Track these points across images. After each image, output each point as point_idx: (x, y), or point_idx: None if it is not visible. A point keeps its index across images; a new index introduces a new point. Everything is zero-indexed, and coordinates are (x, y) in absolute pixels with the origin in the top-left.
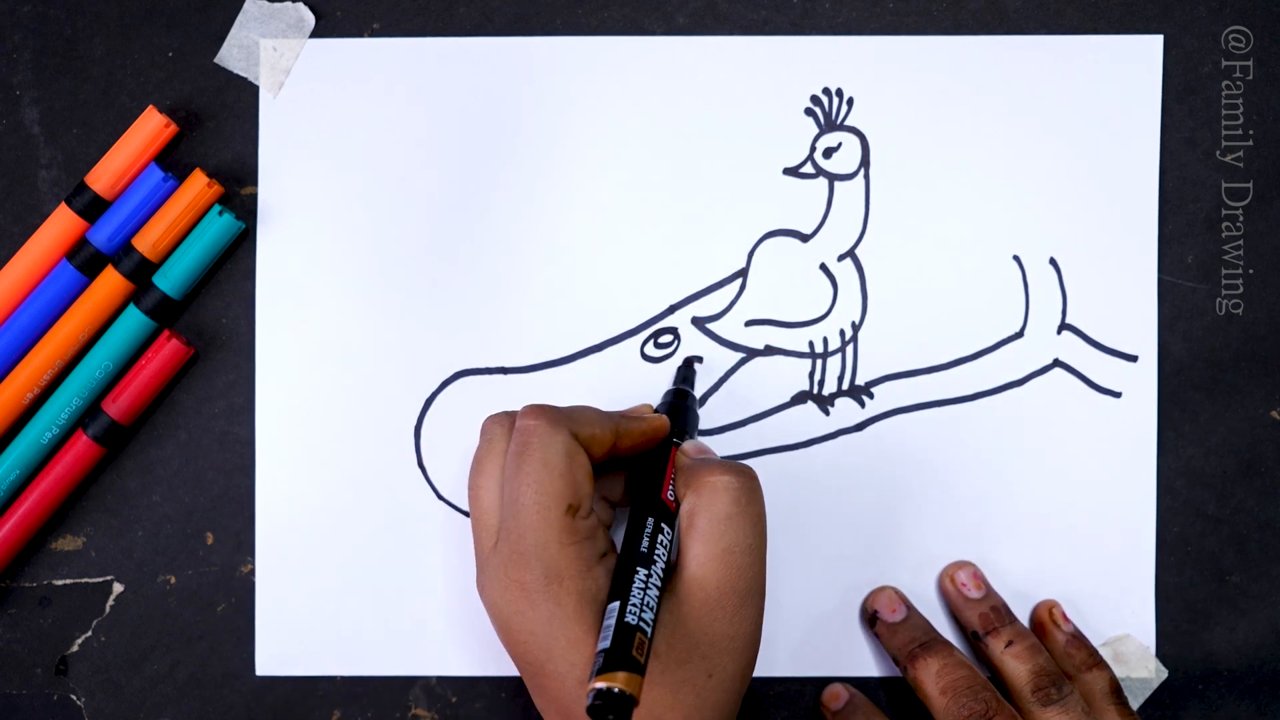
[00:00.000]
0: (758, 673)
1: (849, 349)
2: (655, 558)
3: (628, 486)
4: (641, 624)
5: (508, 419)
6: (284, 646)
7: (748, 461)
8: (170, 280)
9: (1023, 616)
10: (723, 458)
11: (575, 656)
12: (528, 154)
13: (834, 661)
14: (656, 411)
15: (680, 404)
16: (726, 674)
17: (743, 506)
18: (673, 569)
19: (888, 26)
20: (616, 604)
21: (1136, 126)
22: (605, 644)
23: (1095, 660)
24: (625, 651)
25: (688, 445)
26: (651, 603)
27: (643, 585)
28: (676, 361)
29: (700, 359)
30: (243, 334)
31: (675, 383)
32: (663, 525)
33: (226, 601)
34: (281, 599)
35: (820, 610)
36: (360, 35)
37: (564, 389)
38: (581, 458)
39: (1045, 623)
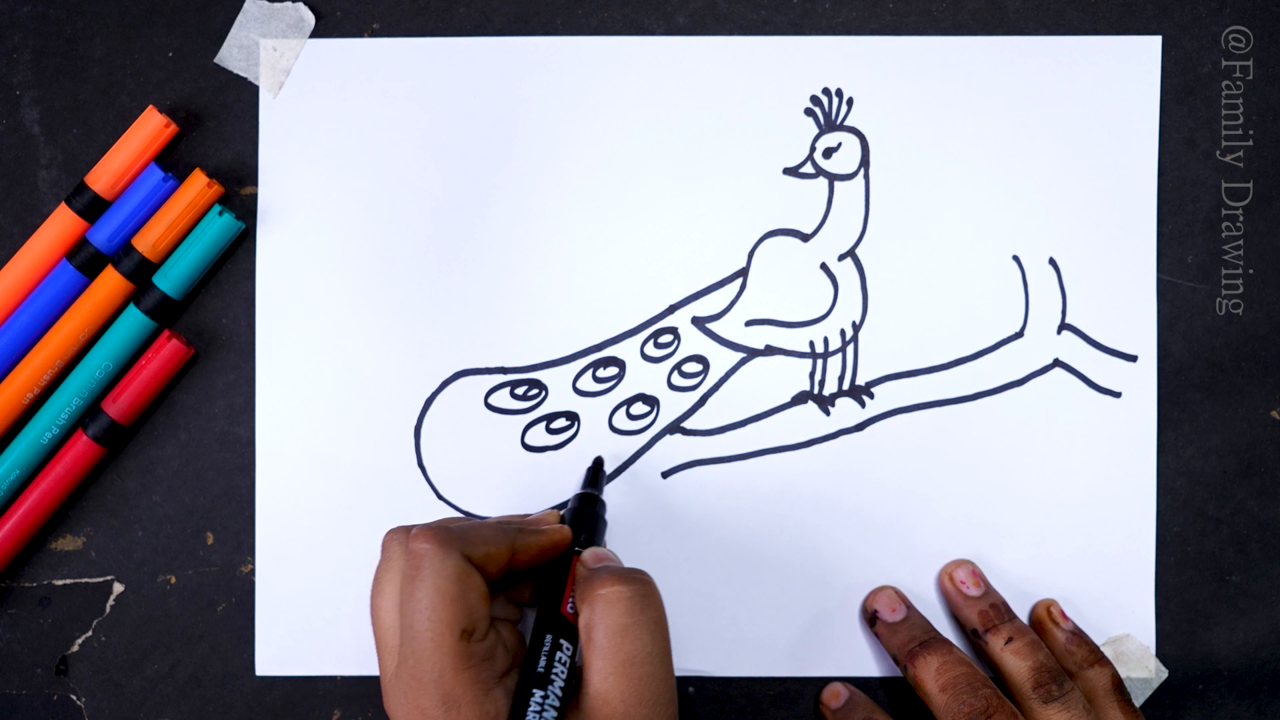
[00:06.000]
0: (758, 673)
1: (849, 349)
2: (553, 677)
3: (533, 595)
4: None
5: (407, 535)
6: (284, 646)
7: (746, 463)
8: (170, 280)
9: (1023, 616)
10: (622, 566)
11: None
12: (528, 154)
13: (834, 661)
14: (562, 517)
15: (588, 510)
16: None
17: (637, 615)
18: (579, 681)
19: (888, 26)
20: None
21: (1136, 127)
22: None
23: (1097, 657)
24: None
25: (587, 555)
26: None
27: (538, 709)
28: (675, 359)
29: (601, 460)
30: (243, 334)
31: (583, 485)
32: (561, 641)
33: (226, 601)
34: (281, 599)
35: (820, 610)
36: (360, 35)
37: (564, 388)
38: (475, 579)
39: (1044, 621)
